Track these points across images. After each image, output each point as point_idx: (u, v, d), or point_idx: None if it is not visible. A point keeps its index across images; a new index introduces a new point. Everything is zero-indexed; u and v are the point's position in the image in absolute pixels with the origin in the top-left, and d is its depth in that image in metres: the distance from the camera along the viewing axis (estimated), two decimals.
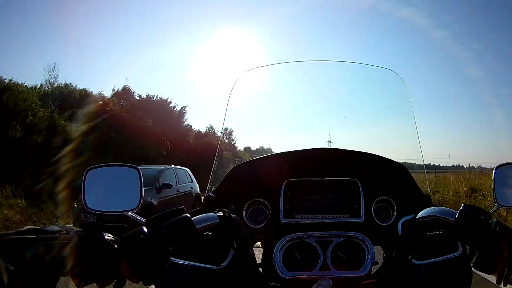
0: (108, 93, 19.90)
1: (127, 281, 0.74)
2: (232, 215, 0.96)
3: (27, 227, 0.65)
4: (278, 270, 1.01)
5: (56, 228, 0.67)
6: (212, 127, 25.66)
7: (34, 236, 0.62)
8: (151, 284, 0.77)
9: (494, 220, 0.80)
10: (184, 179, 9.68)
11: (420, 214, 0.94)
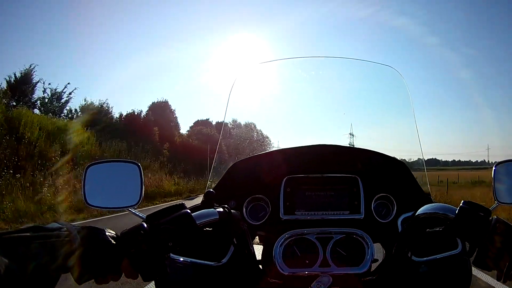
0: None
1: (128, 278, 0.74)
2: (232, 211, 0.95)
3: (27, 225, 0.64)
4: (278, 267, 1.01)
5: (56, 225, 0.66)
6: None
7: (35, 234, 0.62)
8: (151, 280, 0.77)
9: (493, 217, 0.80)
10: None
11: (419, 211, 0.93)
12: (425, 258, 0.96)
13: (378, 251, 1.09)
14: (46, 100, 18.06)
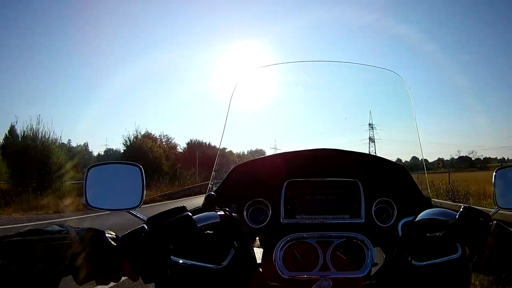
0: None
1: (128, 280, 0.74)
2: (233, 214, 0.96)
3: (28, 228, 0.64)
4: (278, 270, 1.01)
5: (56, 227, 0.66)
6: None
7: (35, 237, 0.62)
8: (151, 282, 0.77)
9: (493, 222, 0.80)
10: None
11: (420, 216, 0.94)
12: (425, 263, 0.96)
13: (378, 255, 1.09)
14: None
